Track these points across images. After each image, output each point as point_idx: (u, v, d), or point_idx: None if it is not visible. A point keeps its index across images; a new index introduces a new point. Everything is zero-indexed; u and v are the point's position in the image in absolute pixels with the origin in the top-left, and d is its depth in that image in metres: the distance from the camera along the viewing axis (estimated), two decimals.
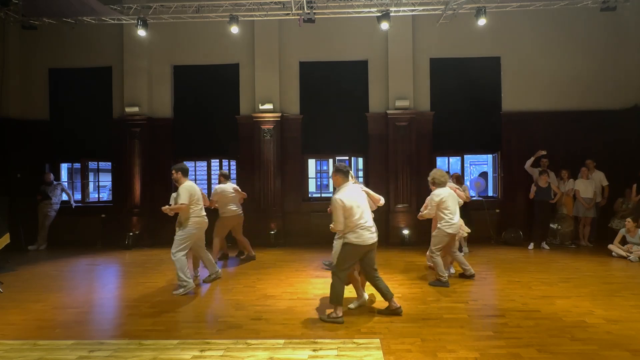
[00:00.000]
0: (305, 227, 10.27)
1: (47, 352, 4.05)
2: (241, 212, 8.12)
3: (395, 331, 4.48)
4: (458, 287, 6.16)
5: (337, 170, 5.08)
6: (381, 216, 8.95)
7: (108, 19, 9.32)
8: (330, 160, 11.11)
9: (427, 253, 6.68)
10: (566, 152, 9.96)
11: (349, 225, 4.84)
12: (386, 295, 5.01)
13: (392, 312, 4.98)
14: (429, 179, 6.46)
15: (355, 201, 4.87)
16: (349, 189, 4.94)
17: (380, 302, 5.29)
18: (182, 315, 5.14)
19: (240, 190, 8.07)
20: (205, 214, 6.39)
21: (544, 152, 9.52)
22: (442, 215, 6.28)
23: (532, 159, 9.54)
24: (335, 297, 4.85)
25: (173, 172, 6.28)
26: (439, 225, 6.31)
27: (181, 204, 6.03)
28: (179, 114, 10.70)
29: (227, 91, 10.58)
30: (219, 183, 8.06)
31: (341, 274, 4.91)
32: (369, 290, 5.55)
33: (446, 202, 6.24)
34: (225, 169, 10.25)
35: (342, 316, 4.82)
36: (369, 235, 4.90)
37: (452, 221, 6.24)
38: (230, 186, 7.99)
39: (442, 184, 6.36)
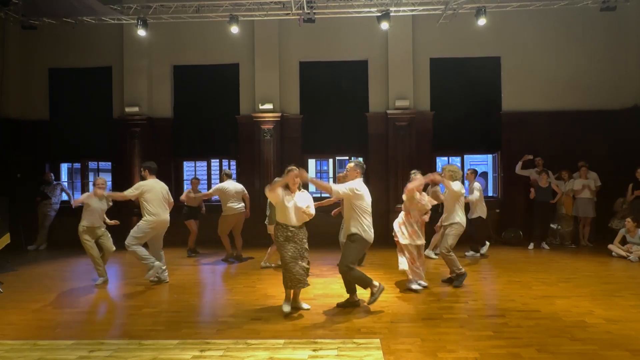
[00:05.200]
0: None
1: (47, 352, 4.05)
2: (242, 210, 8.25)
3: (395, 331, 4.48)
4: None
5: (357, 165, 5.22)
6: (381, 216, 8.96)
7: (108, 19, 9.32)
8: (330, 160, 11.11)
9: (441, 251, 6.29)
10: (566, 152, 9.95)
11: (362, 215, 5.02)
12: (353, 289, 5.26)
13: (352, 304, 5.22)
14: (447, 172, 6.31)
15: (368, 196, 5.13)
16: (362, 184, 5.16)
17: (383, 303, 5.29)
18: (182, 315, 5.13)
19: (245, 190, 8.30)
20: (165, 215, 6.49)
21: (530, 157, 9.52)
22: (459, 208, 6.25)
23: (520, 163, 9.55)
24: (363, 282, 5.07)
25: (141, 170, 6.65)
26: (458, 219, 6.19)
27: (123, 193, 6.34)
28: (179, 114, 10.71)
29: (227, 91, 10.58)
30: (221, 181, 8.38)
31: (353, 267, 5.07)
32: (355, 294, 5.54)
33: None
34: (226, 169, 10.28)
35: (379, 285, 5.09)
36: (372, 233, 5.15)
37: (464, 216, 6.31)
38: (232, 184, 8.19)
39: (458, 179, 6.30)
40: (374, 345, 4.09)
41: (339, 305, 5.27)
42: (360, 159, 5.51)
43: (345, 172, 5.44)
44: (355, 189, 5.02)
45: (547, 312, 5.01)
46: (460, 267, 6.18)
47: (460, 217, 6.22)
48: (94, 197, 6.61)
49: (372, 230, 5.13)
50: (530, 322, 4.66)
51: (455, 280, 6.17)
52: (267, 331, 4.52)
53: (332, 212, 7.78)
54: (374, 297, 5.06)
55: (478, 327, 4.57)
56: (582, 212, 9.20)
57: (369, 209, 5.13)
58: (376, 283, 5.09)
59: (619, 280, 6.50)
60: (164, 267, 6.57)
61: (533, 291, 5.88)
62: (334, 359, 3.83)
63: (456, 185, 6.18)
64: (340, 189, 5.03)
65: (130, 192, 6.35)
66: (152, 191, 6.38)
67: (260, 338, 4.31)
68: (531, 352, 3.90)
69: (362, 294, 5.28)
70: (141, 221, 6.36)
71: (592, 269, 7.18)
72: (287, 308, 5.03)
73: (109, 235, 6.75)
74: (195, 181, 8.91)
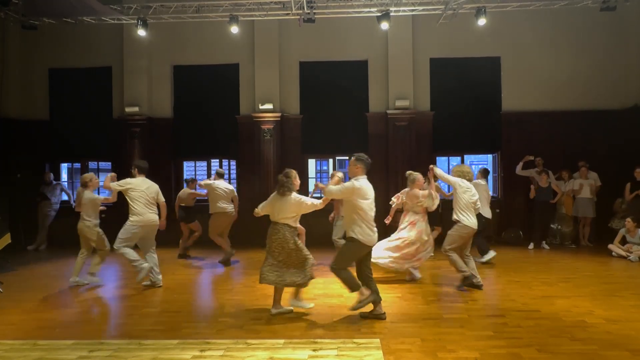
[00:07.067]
0: (304, 228, 10.23)
1: (47, 352, 4.05)
2: (231, 211, 7.86)
3: (395, 331, 4.48)
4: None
5: (358, 159, 4.90)
6: (381, 216, 8.92)
7: (108, 19, 9.32)
8: (330, 160, 11.09)
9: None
10: (566, 152, 9.95)
11: (358, 218, 4.73)
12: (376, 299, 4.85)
13: (376, 316, 4.80)
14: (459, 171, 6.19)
15: (370, 194, 4.84)
16: (366, 182, 4.89)
17: (383, 303, 5.28)
18: (182, 315, 5.13)
19: (235, 192, 8.03)
20: (151, 215, 6.28)
21: (531, 158, 9.51)
22: (459, 208, 5.95)
23: (521, 163, 9.53)
24: (352, 285, 4.77)
25: (132, 168, 6.60)
26: (455, 218, 5.94)
27: (110, 183, 6.26)
28: (179, 114, 10.70)
29: (227, 91, 10.58)
30: (214, 179, 8.01)
31: (343, 268, 4.81)
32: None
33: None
34: (225, 169, 10.26)
35: (370, 292, 4.73)
36: (374, 236, 4.84)
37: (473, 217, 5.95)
38: (223, 184, 7.89)
39: (464, 178, 6.10)
40: (374, 345, 4.09)
41: (362, 316, 4.85)
42: (346, 162, 5.11)
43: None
44: (356, 189, 4.73)
45: (547, 312, 5.01)
46: (464, 268, 5.87)
47: (458, 217, 5.91)
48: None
49: (373, 232, 4.81)
50: (531, 322, 4.66)
51: (463, 281, 5.93)
52: (267, 331, 4.52)
53: (330, 217, 7.75)
54: (359, 304, 4.71)
55: (478, 327, 4.57)
56: (582, 212, 9.20)
57: (372, 208, 4.81)
58: (366, 292, 4.71)
59: (619, 280, 6.50)
60: (157, 270, 6.39)
61: (533, 291, 5.88)
62: (334, 359, 3.83)
63: (455, 184, 6.02)
64: (334, 189, 4.83)
65: (114, 184, 6.30)
66: (137, 190, 6.27)
67: (260, 338, 4.31)
68: (531, 352, 3.90)
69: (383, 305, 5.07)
70: (127, 222, 6.24)
71: (592, 269, 7.19)
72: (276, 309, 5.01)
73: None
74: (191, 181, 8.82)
